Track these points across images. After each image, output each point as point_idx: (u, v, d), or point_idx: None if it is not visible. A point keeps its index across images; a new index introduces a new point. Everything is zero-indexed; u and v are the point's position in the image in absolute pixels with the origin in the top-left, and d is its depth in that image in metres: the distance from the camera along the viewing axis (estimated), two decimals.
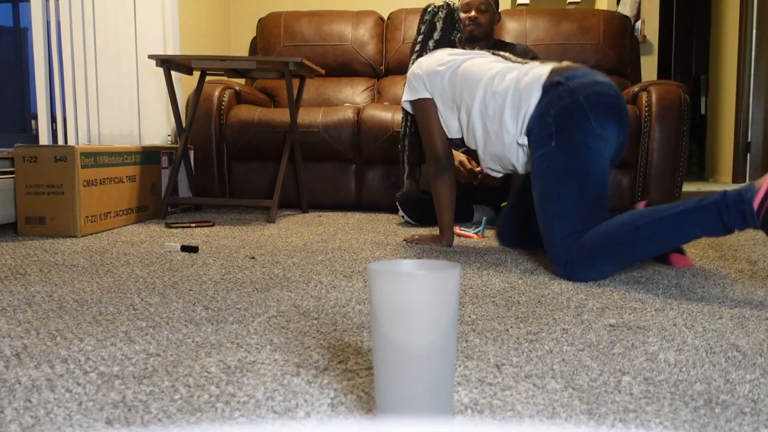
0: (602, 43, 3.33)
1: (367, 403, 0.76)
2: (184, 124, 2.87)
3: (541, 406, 0.76)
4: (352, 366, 0.89)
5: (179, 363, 0.90)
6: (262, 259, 1.72)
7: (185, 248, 1.83)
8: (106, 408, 0.75)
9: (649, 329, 1.07)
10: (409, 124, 1.93)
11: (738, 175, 5.38)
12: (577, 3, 4.66)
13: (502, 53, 1.81)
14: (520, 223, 1.91)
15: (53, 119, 3.39)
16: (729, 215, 1.22)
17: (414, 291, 0.61)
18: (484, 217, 2.24)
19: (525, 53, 2.69)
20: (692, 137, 6.65)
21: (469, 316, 1.15)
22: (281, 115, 2.98)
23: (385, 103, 3.29)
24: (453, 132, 1.76)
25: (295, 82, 2.89)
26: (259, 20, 3.69)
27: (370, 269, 0.64)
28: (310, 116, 2.99)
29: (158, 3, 3.25)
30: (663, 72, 6.47)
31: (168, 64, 2.66)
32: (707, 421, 0.71)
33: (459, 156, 2.48)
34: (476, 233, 2.14)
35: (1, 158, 2.26)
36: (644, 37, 4.73)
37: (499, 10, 2.75)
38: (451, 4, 1.91)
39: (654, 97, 2.70)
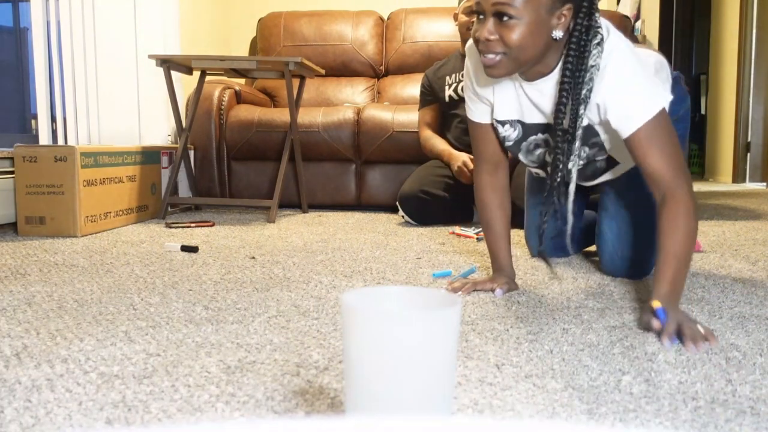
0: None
1: None
2: (184, 124, 2.87)
3: (541, 406, 0.76)
4: None
5: (179, 363, 0.90)
6: (262, 259, 1.72)
7: (185, 248, 1.83)
8: (106, 408, 0.75)
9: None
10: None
11: (738, 175, 5.38)
12: None
13: None
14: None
15: (53, 119, 3.39)
16: None
17: (405, 337, 0.48)
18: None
19: None
20: (692, 137, 6.65)
21: (469, 316, 1.15)
22: (281, 115, 2.98)
23: (385, 103, 3.29)
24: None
25: (295, 82, 2.89)
26: (259, 20, 3.69)
27: (346, 304, 0.51)
28: (310, 116, 2.99)
29: (158, 3, 3.25)
30: None
31: (168, 64, 2.66)
32: (707, 421, 0.71)
33: (462, 156, 2.48)
34: (476, 233, 2.14)
35: (1, 158, 2.26)
36: (644, 37, 4.73)
37: None
38: None
39: None
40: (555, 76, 1.21)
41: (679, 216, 1.10)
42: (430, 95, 2.73)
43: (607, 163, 1.38)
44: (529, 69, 1.21)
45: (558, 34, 1.14)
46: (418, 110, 2.80)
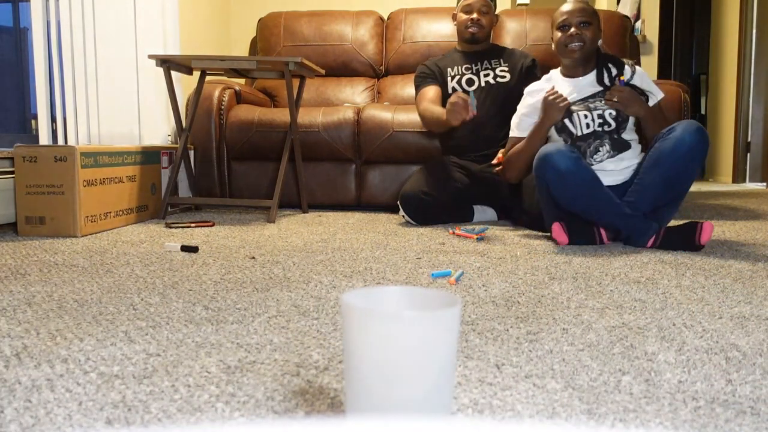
0: (602, 43, 3.33)
1: None
2: (184, 124, 2.87)
3: (541, 406, 0.76)
4: None
5: (179, 363, 0.90)
6: (262, 259, 1.72)
7: (185, 248, 1.83)
8: (106, 408, 0.75)
9: (649, 329, 1.07)
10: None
11: (738, 175, 5.38)
12: None
13: None
14: None
15: (53, 119, 3.39)
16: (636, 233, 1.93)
17: (405, 337, 0.48)
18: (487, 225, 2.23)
19: (524, 57, 2.69)
20: None
21: (469, 316, 1.15)
22: (281, 115, 2.98)
23: (385, 103, 3.29)
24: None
25: (295, 82, 2.90)
26: (259, 20, 3.69)
27: (346, 304, 0.51)
28: (310, 116, 2.99)
29: (158, 3, 3.25)
30: (663, 72, 6.47)
31: (168, 64, 2.66)
32: (707, 421, 0.71)
33: (453, 98, 2.21)
34: (476, 234, 2.13)
35: (1, 158, 2.26)
36: (644, 37, 4.73)
37: (498, 11, 2.74)
38: None
39: None
40: (588, 77, 2.16)
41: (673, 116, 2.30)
42: (432, 76, 2.66)
43: (627, 143, 2.11)
44: (581, 64, 2.14)
45: (600, 42, 2.14)
46: (417, 92, 2.69)
